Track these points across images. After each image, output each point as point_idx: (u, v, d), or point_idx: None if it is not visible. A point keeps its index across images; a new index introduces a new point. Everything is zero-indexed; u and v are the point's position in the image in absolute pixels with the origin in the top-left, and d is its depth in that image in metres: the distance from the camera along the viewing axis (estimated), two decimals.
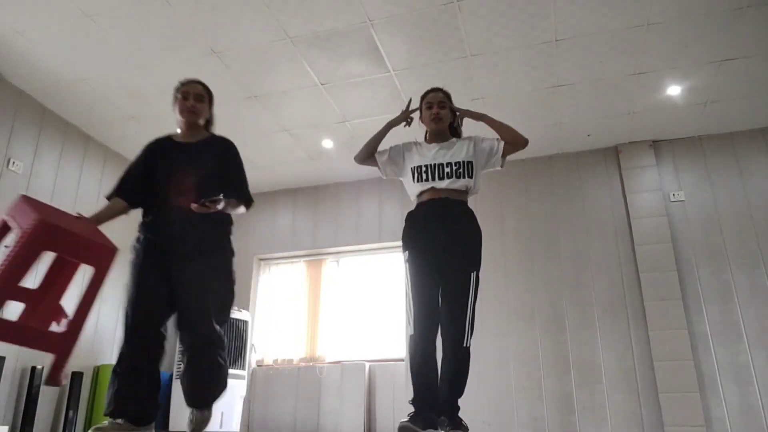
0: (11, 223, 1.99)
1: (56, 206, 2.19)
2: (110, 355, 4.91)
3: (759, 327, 4.47)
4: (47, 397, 4.35)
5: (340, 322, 5.69)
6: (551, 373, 4.79)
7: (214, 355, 2.34)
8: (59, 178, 4.71)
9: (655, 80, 4.35)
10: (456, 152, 2.62)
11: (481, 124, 2.70)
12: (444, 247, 2.48)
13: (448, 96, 2.77)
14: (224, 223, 2.47)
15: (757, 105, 4.67)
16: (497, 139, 2.65)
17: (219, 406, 4.72)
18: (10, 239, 1.97)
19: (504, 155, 2.63)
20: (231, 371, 4.89)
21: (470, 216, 2.59)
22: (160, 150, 2.49)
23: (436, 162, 2.61)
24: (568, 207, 5.27)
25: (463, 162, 2.58)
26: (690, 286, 4.72)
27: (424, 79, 4.15)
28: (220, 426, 4.72)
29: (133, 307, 2.25)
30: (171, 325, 2.36)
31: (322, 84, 4.42)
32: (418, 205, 2.64)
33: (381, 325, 5.51)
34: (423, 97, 2.78)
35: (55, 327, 2.00)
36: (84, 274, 2.02)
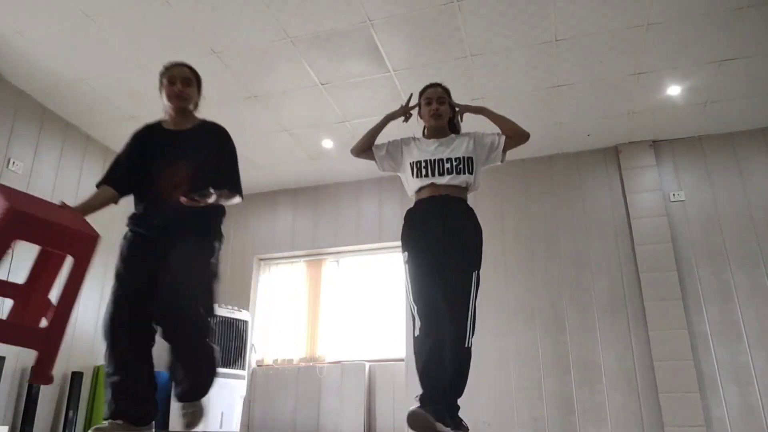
0: None
1: None
2: None
3: (759, 327, 4.47)
4: (47, 397, 4.35)
5: (340, 322, 5.69)
6: (551, 373, 4.79)
7: (201, 338, 2.19)
8: (59, 178, 4.71)
9: (655, 80, 4.35)
10: (456, 148, 2.59)
11: (480, 118, 2.67)
12: (444, 248, 2.44)
13: (447, 92, 2.73)
14: (216, 211, 2.38)
15: (757, 105, 4.67)
16: (498, 134, 2.63)
17: (219, 406, 4.76)
18: None
19: (505, 150, 2.61)
20: (231, 371, 4.96)
21: (471, 214, 2.56)
22: (149, 138, 2.40)
23: (436, 157, 2.57)
24: (568, 207, 5.27)
25: (464, 158, 2.55)
26: (690, 286, 4.72)
27: (424, 79, 4.10)
28: (220, 426, 4.72)
29: (115, 303, 2.17)
30: None
31: (322, 84, 4.42)
32: (417, 203, 2.60)
33: (381, 325, 5.51)
34: (422, 93, 2.75)
35: (44, 322, 1.92)
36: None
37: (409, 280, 2.49)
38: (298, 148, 5.39)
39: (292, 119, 4.92)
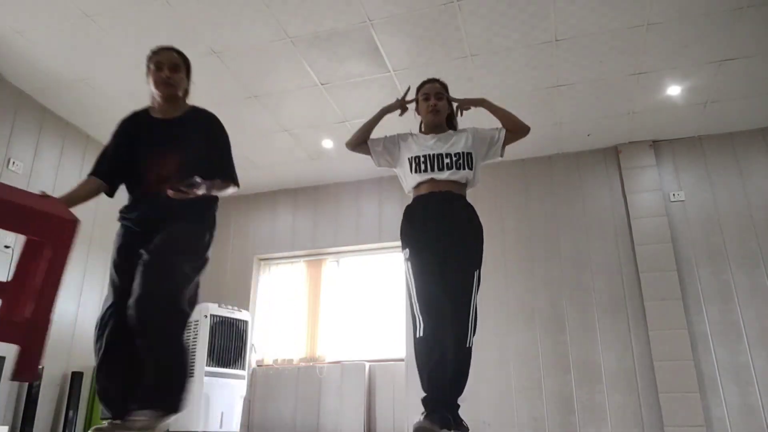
0: None
1: None
2: None
3: (759, 327, 4.47)
4: (47, 397, 4.35)
5: (340, 322, 5.69)
6: (551, 373, 4.79)
7: (173, 331, 2.00)
8: (59, 178, 4.71)
9: (655, 80, 4.35)
10: (455, 143, 2.55)
11: (478, 114, 2.63)
12: (445, 247, 2.40)
13: (445, 87, 2.69)
14: (208, 200, 2.24)
15: (757, 105, 4.67)
16: (498, 128, 2.60)
17: (219, 406, 4.76)
18: None
19: (505, 144, 2.57)
20: (231, 371, 4.95)
21: (471, 211, 2.52)
22: (136, 127, 2.29)
23: (435, 152, 2.52)
24: (568, 207, 5.27)
25: (463, 153, 2.50)
26: (690, 286, 4.72)
27: (424, 79, 4.14)
28: (220, 426, 4.71)
29: (107, 301, 2.11)
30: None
31: (322, 84, 4.42)
32: (416, 198, 2.54)
33: (381, 325, 5.51)
34: (419, 88, 2.70)
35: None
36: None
37: (410, 279, 2.44)
38: (298, 148, 5.39)
39: (292, 119, 4.92)
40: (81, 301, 4.63)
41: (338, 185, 6.06)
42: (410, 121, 2.80)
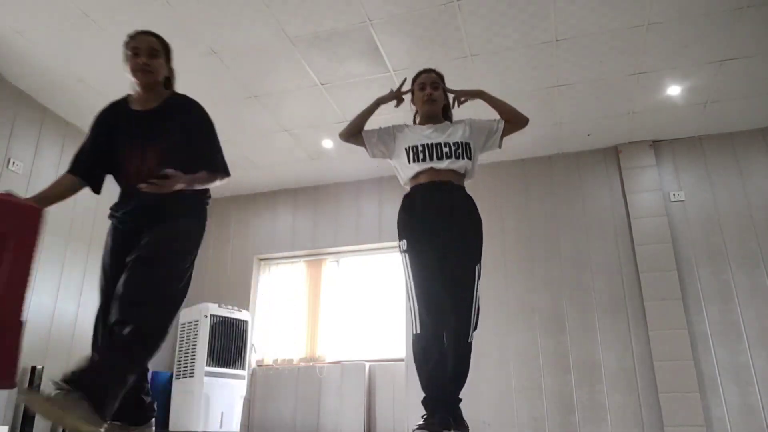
0: None
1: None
2: None
3: (759, 327, 4.47)
4: None
5: (340, 322, 5.69)
6: (551, 373, 4.79)
7: (139, 354, 1.86)
8: None
9: (655, 80, 4.35)
10: (452, 133, 2.50)
11: (475, 107, 2.61)
12: (444, 243, 2.35)
13: (441, 77, 2.65)
14: (196, 192, 2.12)
15: (757, 105, 4.67)
16: (497, 119, 2.57)
17: (219, 406, 4.76)
18: None
19: (503, 135, 2.54)
20: (231, 371, 4.96)
21: (471, 204, 2.47)
22: (115, 118, 2.16)
23: (434, 141, 2.46)
24: (568, 207, 5.27)
25: (462, 143, 2.46)
26: (690, 286, 4.72)
27: None
28: (220, 426, 4.72)
29: (101, 307, 2.05)
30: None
31: (322, 84, 4.42)
32: (415, 188, 2.47)
33: (381, 325, 5.51)
34: (415, 79, 2.66)
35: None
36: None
37: (409, 272, 2.37)
38: (298, 148, 5.39)
39: (292, 119, 4.92)
40: (81, 301, 4.63)
41: (338, 185, 6.06)
42: (406, 114, 2.78)
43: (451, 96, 2.70)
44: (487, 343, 4.80)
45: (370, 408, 5.17)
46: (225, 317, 5.05)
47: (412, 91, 2.66)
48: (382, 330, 5.48)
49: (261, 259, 6.16)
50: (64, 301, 4.51)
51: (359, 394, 5.10)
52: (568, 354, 4.80)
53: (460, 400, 2.33)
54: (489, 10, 3.64)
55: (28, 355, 4.12)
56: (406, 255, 2.39)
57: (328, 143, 5.29)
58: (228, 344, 5.01)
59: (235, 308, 5.24)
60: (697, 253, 4.81)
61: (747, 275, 4.62)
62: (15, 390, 4.11)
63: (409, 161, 2.48)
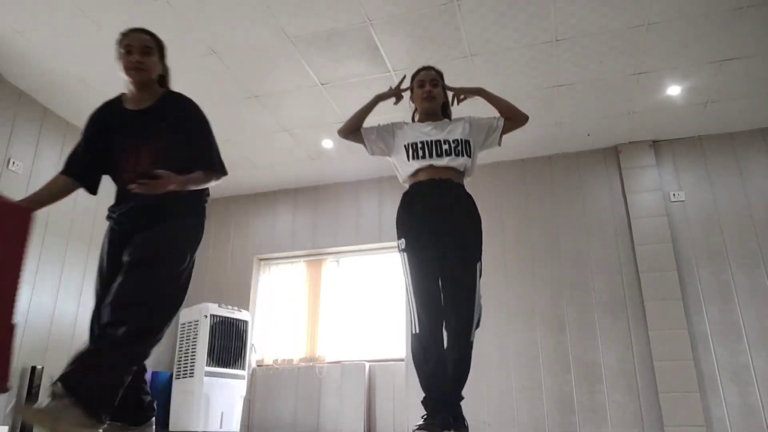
0: None
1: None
2: None
3: (759, 327, 4.47)
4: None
5: (340, 322, 5.69)
6: (551, 373, 4.79)
7: (134, 334, 1.80)
8: None
9: (655, 80, 4.35)
10: (452, 131, 2.49)
11: (474, 105, 2.60)
12: (444, 243, 2.34)
13: (440, 74, 2.63)
14: (191, 195, 2.07)
15: (757, 105, 4.67)
16: (496, 117, 2.56)
17: (219, 406, 4.76)
18: None
19: (503, 133, 2.53)
20: (231, 371, 4.96)
21: (471, 203, 2.46)
22: (108, 119, 2.13)
23: (433, 138, 2.44)
24: (568, 207, 5.27)
25: (461, 140, 2.44)
26: (690, 286, 4.72)
27: None
28: (220, 426, 4.72)
29: (96, 307, 2.03)
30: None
31: (322, 84, 4.42)
32: (414, 185, 2.45)
33: (381, 325, 5.51)
34: (414, 76, 2.65)
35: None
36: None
37: (407, 273, 2.34)
38: (298, 148, 5.39)
39: (292, 119, 4.92)
40: (81, 301, 4.63)
41: (338, 185, 6.06)
42: (405, 115, 2.77)
43: (450, 93, 2.69)
44: (487, 343, 4.80)
45: (370, 408, 5.17)
46: (225, 317, 5.05)
47: (411, 88, 2.65)
48: (382, 330, 5.48)
49: (261, 259, 6.16)
50: (64, 301, 4.51)
51: (359, 394, 5.10)
52: (568, 354, 4.80)
53: (462, 398, 2.31)
54: (489, 10, 3.64)
55: (28, 355, 4.13)
56: (405, 254, 2.36)
57: (328, 143, 5.29)
58: (228, 344, 5.01)
59: (235, 308, 5.24)
60: (697, 253, 4.81)
61: (747, 275, 4.62)
62: (14, 390, 4.11)
63: (408, 158, 2.47)
